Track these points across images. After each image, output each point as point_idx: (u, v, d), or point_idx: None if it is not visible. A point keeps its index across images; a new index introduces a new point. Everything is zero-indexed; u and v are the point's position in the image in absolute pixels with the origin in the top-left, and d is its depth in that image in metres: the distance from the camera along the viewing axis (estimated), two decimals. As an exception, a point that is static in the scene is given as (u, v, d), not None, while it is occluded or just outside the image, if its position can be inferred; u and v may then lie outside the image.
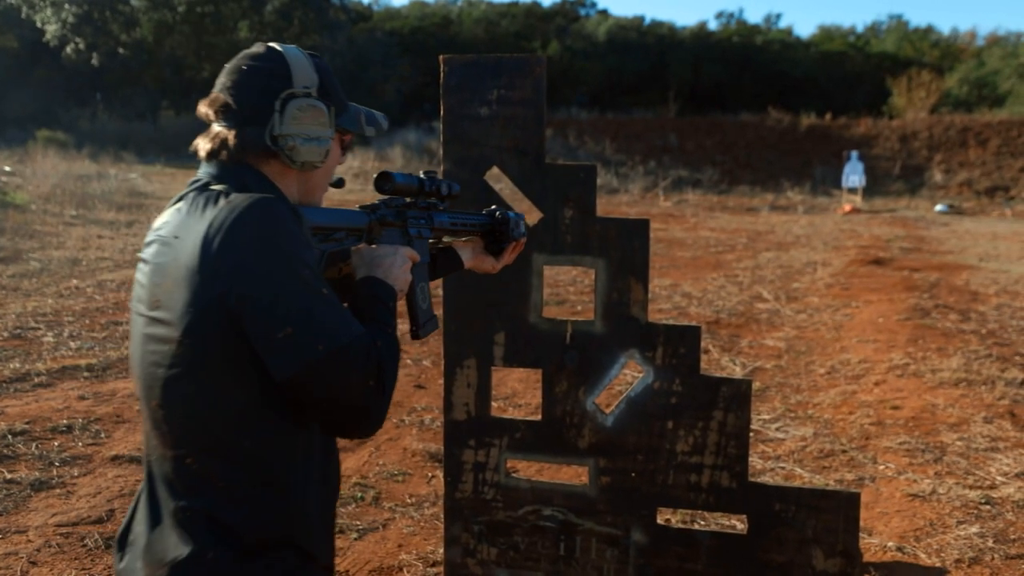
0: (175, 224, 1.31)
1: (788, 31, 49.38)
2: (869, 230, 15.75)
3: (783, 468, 4.32)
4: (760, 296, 8.76)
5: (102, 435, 4.38)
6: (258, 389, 1.26)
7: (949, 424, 4.82)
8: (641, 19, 48.11)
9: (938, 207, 20.70)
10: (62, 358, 5.66)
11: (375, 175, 1.56)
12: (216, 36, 38.19)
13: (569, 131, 27.80)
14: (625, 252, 2.57)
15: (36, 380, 5.15)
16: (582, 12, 49.69)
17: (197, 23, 37.79)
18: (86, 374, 5.33)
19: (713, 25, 56.27)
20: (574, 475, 4.00)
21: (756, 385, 5.71)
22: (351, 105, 1.49)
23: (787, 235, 14.73)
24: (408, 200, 1.62)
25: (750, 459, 4.47)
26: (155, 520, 1.33)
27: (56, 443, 4.23)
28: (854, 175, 21.43)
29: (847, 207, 19.89)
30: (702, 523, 3.55)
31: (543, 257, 2.63)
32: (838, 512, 2.50)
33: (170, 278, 1.26)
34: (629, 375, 5.60)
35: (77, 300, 7.43)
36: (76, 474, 3.90)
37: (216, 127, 1.36)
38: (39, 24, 36.48)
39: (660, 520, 2.70)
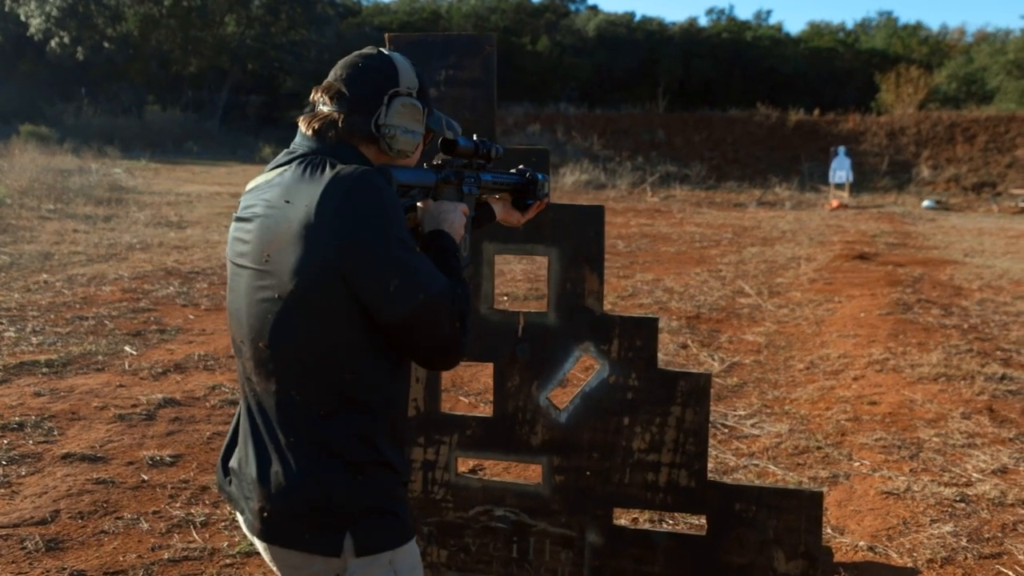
0: (284, 188, 1.49)
1: (778, 27, 49.33)
2: (855, 226, 15.68)
3: (756, 465, 4.21)
4: (742, 291, 8.67)
5: (55, 432, 4.24)
6: (358, 330, 1.46)
7: (927, 420, 4.72)
8: (631, 15, 48.02)
9: (925, 203, 20.68)
10: (21, 353, 5.51)
11: (440, 140, 1.75)
12: (202, 30, 37.87)
13: (557, 126, 27.69)
14: (579, 240, 2.45)
15: (-8, 376, 5.01)
16: (572, 8, 49.51)
17: (183, 17, 37.44)
18: (45, 370, 5.19)
19: (703, 21, 56.21)
20: (528, 474, 3.89)
21: (733, 380, 5.61)
22: (436, 111, 1.71)
23: (773, 231, 14.65)
24: (464, 162, 1.81)
25: (723, 456, 4.37)
26: (261, 452, 1.52)
27: (5, 441, 4.09)
28: (841, 171, 21.38)
29: (834, 203, 19.84)
30: (669, 523, 3.44)
31: (494, 246, 2.51)
32: (800, 512, 2.39)
33: (282, 236, 1.45)
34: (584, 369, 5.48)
35: (44, 295, 7.28)
36: (23, 473, 3.77)
37: (326, 108, 1.56)
38: (23, 18, 36.12)
39: (620, 521, 2.59)
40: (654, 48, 42.34)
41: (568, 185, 22.48)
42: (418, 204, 1.70)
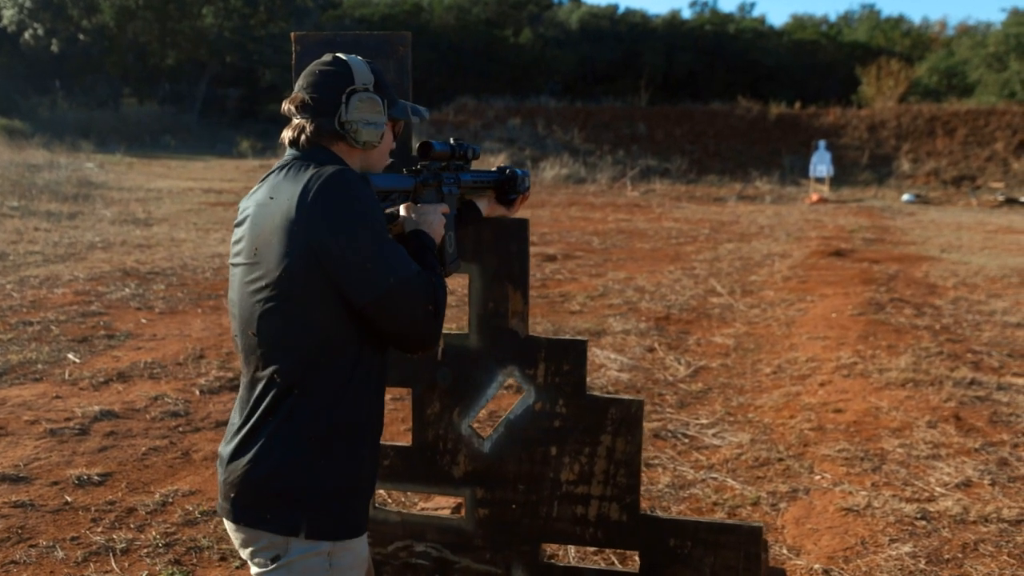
0: (270, 187, 1.65)
1: (761, 20, 49.27)
2: (834, 220, 15.58)
3: (715, 479, 4.06)
4: (714, 290, 8.52)
5: (-22, 450, 4.03)
6: (337, 316, 1.60)
7: (891, 429, 4.58)
8: (614, 7, 47.78)
9: (905, 197, 20.61)
10: (-44, 363, 5.29)
11: (419, 143, 1.91)
12: (180, 22, 37.37)
13: (538, 120, 27.45)
14: (502, 257, 2.27)
15: (-80, 388, 4.79)
16: (555, 0, 49.23)
17: (160, 8, 36.90)
18: (-22, 380, 4.98)
19: (686, 14, 56.05)
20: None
21: (698, 386, 5.45)
22: (400, 101, 1.84)
23: (751, 225, 14.53)
24: (442, 164, 1.96)
25: (682, 469, 4.21)
26: (240, 433, 1.65)
27: (-77, 460, 3.88)
28: (822, 165, 21.29)
29: (814, 197, 19.75)
30: (600, 560, 3.26)
31: (411, 262, 2.32)
32: (738, 548, 2.22)
33: (267, 230, 1.60)
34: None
35: (-8, 298, 7.04)
36: (-63, 496, 3.56)
37: (296, 119, 1.71)
38: (-4, 9, 35.53)
39: (549, 557, 2.42)
40: (637, 41, 42.16)
41: (548, 179, 22.30)
42: (400, 208, 1.85)
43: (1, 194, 13.49)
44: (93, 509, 3.54)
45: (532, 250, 10.73)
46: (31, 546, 3.21)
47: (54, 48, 35.68)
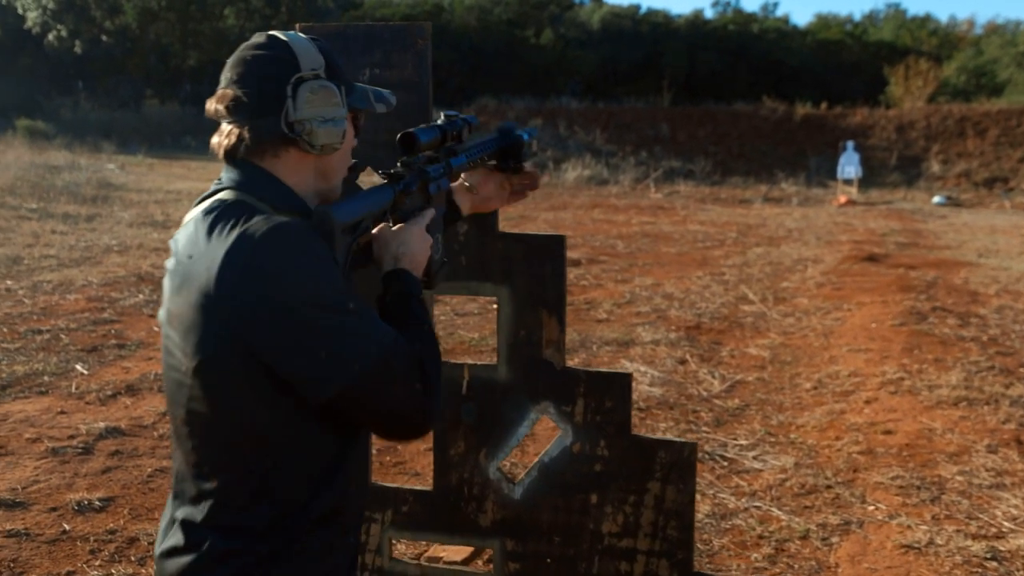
0: (188, 240, 1.28)
1: (784, 19, 48.78)
2: (864, 223, 15.17)
3: (758, 508, 3.76)
4: (746, 297, 8.20)
5: (-26, 472, 3.81)
6: (282, 412, 1.24)
7: (948, 453, 4.26)
8: (636, 7, 47.40)
9: (936, 199, 20.13)
10: (-42, 375, 5.09)
11: (398, 135, 1.51)
12: (202, 23, 37.42)
13: (559, 121, 27.17)
14: (534, 278, 2.00)
15: (-82, 402, 4.58)
16: (576, 0, 48.93)
17: (182, 10, 36.97)
18: (-20, 394, 4.77)
19: (709, 14, 55.47)
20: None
21: (735, 403, 5.15)
22: (357, 84, 1.44)
23: (779, 229, 14.16)
24: (429, 154, 1.57)
25: (722, 496, 3.92)
26: (172, 528, 1.31)
27: (-86, 484, 3.66)
28: (850, 166, 20.83)
29: (842, 199, 19.33)
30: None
31: (433, 283, 2.05)
32: (807, 614, 1.94)
33: (184, 303, 1.24)
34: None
35: (2, 304, 6.85)
36: (-74, 524, 3.33)
37: (227, 124, 1.33)
38: (20, 11, 35.72)
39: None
40: (659, 41, 41.76)
41: (570, 181, 22.00)
42: (372, 234, 1.44)
43: (20, 196, 13.37)
44: (92, 539, 3.31)
45: (555, 254, 10.46)
46: (22, 582, 2.98)
47: (77, 49, 35.79)
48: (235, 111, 1.31)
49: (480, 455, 2.07)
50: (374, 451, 4.27)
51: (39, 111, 33.13)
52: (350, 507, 1.38)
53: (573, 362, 6.01)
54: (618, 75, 40.89)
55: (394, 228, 1.45)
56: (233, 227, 1.23)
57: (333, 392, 1.22)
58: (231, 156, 1.33)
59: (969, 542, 3.37)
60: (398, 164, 1.52)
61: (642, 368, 5.75)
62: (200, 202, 1.34)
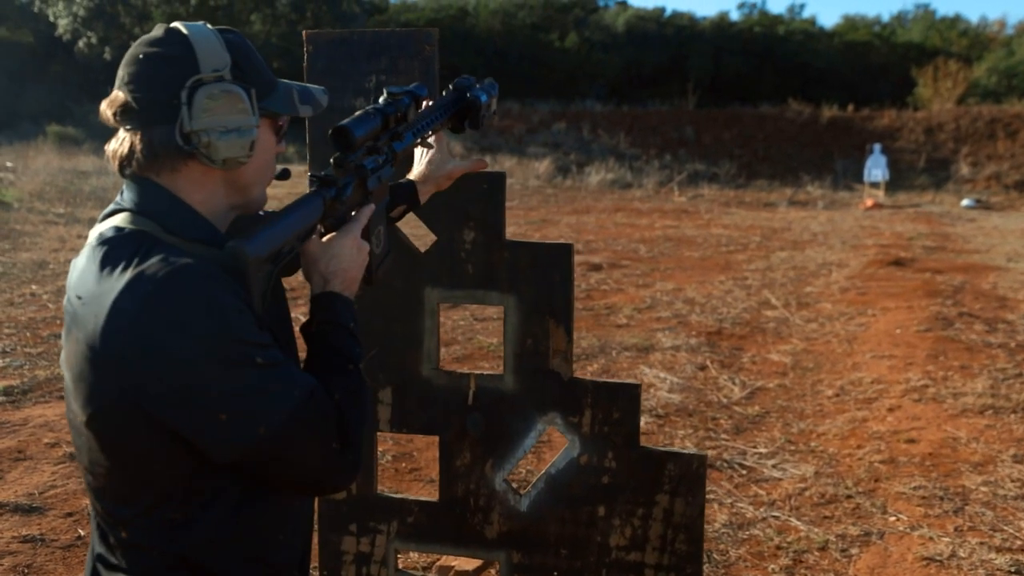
0: (80, 276, 1.15)
1: (811, 21, 48.34)
2: (891, 227, 14.98)
3: (777, 518, 3.70)
4: (768, 302, 8.11)
5: (-7, 476, 3.84)
6: (185, 472, 1.13)
7: (972, 463, 4.17)
8: (661, 10, 47.42)
9: (965, 202, 19.85)
10: (-19, 379, 5.14)
11: (330, 130, 1.30)
12: (229, 29, 37.81)
13: (583, 124, 27.11)
14: (541, 287, 1.97)
15: (-58, 406, 4.63)
16: (600, 3, 48.82)
17: (209, 16, 37.36)
18: (1, 398, 4.80)
19: (735, 16, 55.22)
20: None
21: (755, 410, 5.09)
22: (280, 83, 1.27)
23: (804, 232, 14.01)
24: (368, 145, 1.36)
25: (740, 505, 3.87)
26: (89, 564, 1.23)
27: (-67, 488, 3.70)
28: (877, 169, 20.59)
29: (869, 202, 19.10)
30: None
31: (438, 292, 2.03)
32: (819, 632, 1.89)
33: (72, 351, 1.13)
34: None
35: (27, 309, 6.93)
36: (-56, 529, 3.36)
37: (122, 131, 1.18)
38: (52, 18, 36.25)
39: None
40: (684, 43, 41.61)
41: (593, 184, 21.93)
42: (300, 251, 1.27)
43: (48, 201, 13.54)
44: (106, 545, 3.31)
45: (576, 259, 10.42)
46: (36, 588, 2.99)
47: (107, 56, 36.17)
48: (125, 118, 1.17)
49: (486, 466, 2.04)
50: (390, 457, 4.27)
51: (69, 117, 33.53)
52: (277, 561, 1.27)
53: (592, 368, 5.97)
54: (643, 78, 40.74)
55: (324, 240, 1.29)
56: (125, 268, 1.09)
57: (234, 456, 1.12)
58: (124, 168, 1.19)
59: (993, 555, 3.29)
60: (331, 162, 1.33)
61: (661, 374, 5.70)
62: (103, 219, 1.21)
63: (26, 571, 3.10)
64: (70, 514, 3.55)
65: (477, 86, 1.65)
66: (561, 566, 2.02)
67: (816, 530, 3.58)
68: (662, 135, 26.78)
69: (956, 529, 3.54)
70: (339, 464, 1.18)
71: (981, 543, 3.40)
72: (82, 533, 3.40)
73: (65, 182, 15.79)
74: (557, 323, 1.97)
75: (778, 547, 3.45)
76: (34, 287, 7.76)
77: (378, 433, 2.10)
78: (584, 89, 38.05)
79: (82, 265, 1.17)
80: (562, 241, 2.06)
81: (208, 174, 1.19)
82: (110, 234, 1.16)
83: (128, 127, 1.17)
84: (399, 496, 2.12)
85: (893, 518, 3.67)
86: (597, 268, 9.86)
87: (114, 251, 1.12)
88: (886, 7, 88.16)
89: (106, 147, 1.21)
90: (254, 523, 1.21)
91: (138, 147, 1.16)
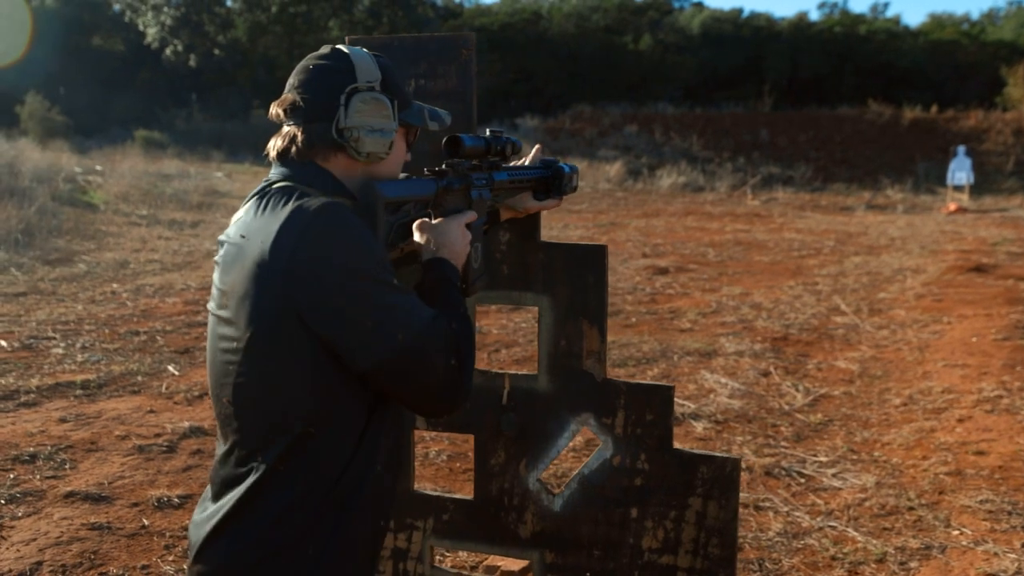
0: (242, 224, 1.37)
1: (895, 20, 47.05)
2: (974, 232, 14.45)
3: (834, 528, 3.62)
4: (838, 308, 7.92)
5: (66, 466, 4.01)
6: (332, 383, 1.31)
7: (1045, 478, 4.01)
8: (739, 11, 46.65)
9: (1056, 206, 19.00)
10: (60, 373, 5.37)
11: (444, 139, 1.56)
12: (307, 36, 38.62)
13: (655, 126, 26.87)
14: (576, 288, 1.98)
15: (23, 399, 4.86)
16: (676, 5, 48.33)
17: (289, 23, 38.30)
18: (79, 392, 5.02)
19: (814, 16, 54.06)
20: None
21: (817, 417, 4.98)
22: (415, 102, 1.53)
23: (880, 237, 13.63)
24: (473, 163, 1.62)
25: (796, 514, 3.79)
26: (211, 515, 1.36)
27: (12, 475, 3.88)
28: (961, 172, 19.89)
29: (952, 206, 18.45)
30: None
31: (474, 292, 2.06)
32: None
33: (238, 278, 1.32)
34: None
35: (107, 307, 7.22)
36: (19, 514, 3.53)
37: (286, 126, 1.43)
38: (141, 27, 37.64)
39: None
40: (761, 45, 40.88)
41: (664, 188, 21.73)
42: (414, 226, 1.52)
43: (132, 203, 14.07)
44: (168, 535, 3.44)
45: (643, 262, 10.34)
46: (101, 573, 3.12)
47: (192, 63, 37.47)
48: (292, 114, 1.42)
49: (520, 466, 2.06)
50: (445, 456, 4.32)
51: (156, 122, 34.82)
52: (376, 491, 1.42)
53: (652, 372, 5.93)
54: (718, 80, 40.20)
55: (434, 221, 1.52)
56: (286, 204, 1.32)
57: (374, 362, 1.30)
58: (283, 155, 1.43)
59: (1061, 573, 3.16)
60: (443, 164, 1.57)
61: (723, 380, 5.62)
62: (250, 199, 1.43)
63: (92, 557, 3.24)
64: (135, 504, 3.69)
65: (562, 162, 1.90)
66: (594, 567, 2.03)
67: (874, 542, 3.49)
68: (735, 138, 26.37)
69: (1023, 546, 3.40)
70: (457, 380, 1.36)
71: (1049, 561, 3.26)
72: (146, 523, 3.53)
73: (149, 185, 16.38)
74: (591, 324, 1.98)
75: (833, 557, 3.38)
76: (115, 286, 8.08)
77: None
78: (657, 92, 37.72)
79: (241, 215, 1.40)
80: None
81: (352, 166, 1.44)
82: (266, 190, 1.40)
83: (292, 122, 1.42)
84: (435, 493, 2.15)
85: (956, 532, 3.55)
86: (663, 272, 9.78)
87: (272, 198, 1.36)
88: (976, 5, 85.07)
89: (269, 144, 1.45)
90: (374, 447, 1.39)
91: (300, 137, 1.41)
